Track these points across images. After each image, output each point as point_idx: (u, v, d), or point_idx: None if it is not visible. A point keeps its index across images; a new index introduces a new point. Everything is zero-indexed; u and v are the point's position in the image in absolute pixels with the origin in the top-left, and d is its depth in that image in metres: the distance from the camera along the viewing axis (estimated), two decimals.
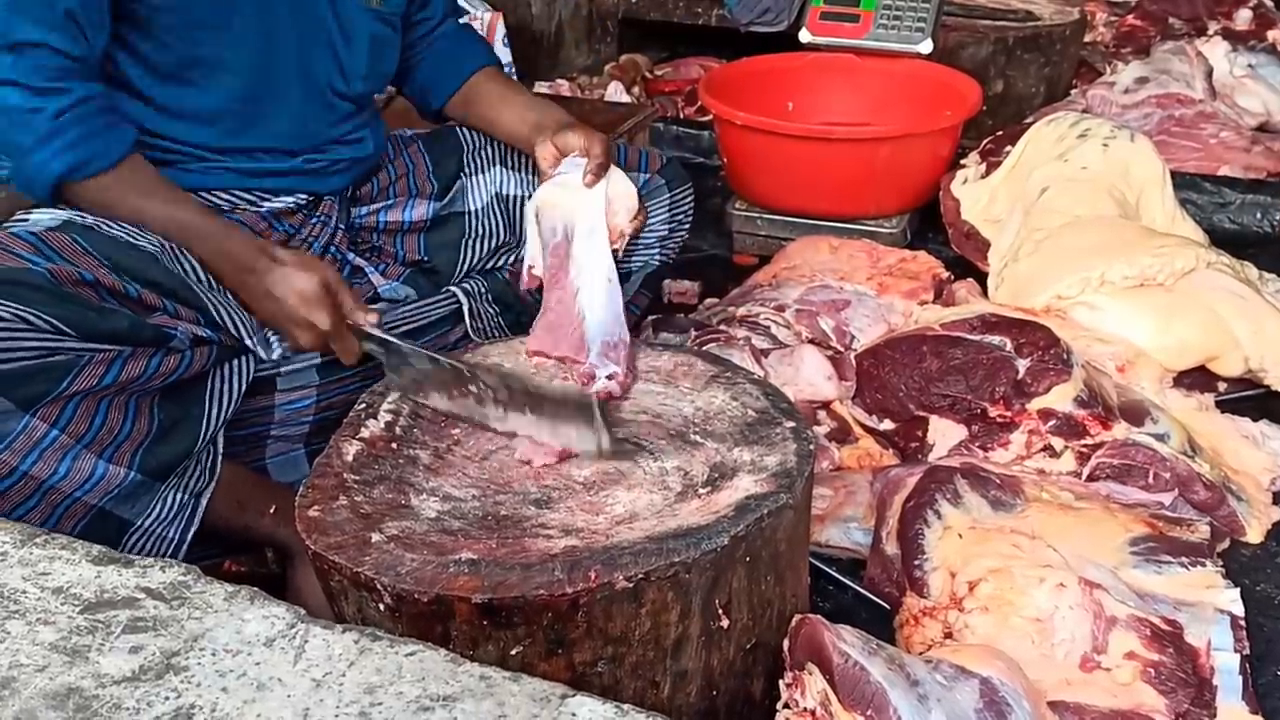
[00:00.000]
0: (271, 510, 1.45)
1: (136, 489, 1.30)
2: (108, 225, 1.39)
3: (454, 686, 0.79)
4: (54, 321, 1.22)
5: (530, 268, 1.55)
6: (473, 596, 1.05)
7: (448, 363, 1.37)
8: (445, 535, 1.16)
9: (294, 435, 1.56)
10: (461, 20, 1.95)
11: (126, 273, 1.33)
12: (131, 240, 1.39)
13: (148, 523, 1.32)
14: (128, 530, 1.31)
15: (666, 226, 1.91)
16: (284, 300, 1.43)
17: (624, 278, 1.87)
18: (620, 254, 1.55)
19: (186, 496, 1.36)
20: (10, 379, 1.18)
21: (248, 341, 1.45)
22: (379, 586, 1.07)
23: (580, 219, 1.51)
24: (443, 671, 0.80)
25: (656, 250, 1.92)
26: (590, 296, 1.47)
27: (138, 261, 1.36)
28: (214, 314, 1.41)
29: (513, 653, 1.08)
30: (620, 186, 1.54)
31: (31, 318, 1.20)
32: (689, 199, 1.96)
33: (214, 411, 1.39)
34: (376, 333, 1.45)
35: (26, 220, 1.40)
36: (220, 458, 1.41)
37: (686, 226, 1.97)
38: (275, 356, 1.49)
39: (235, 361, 1.43)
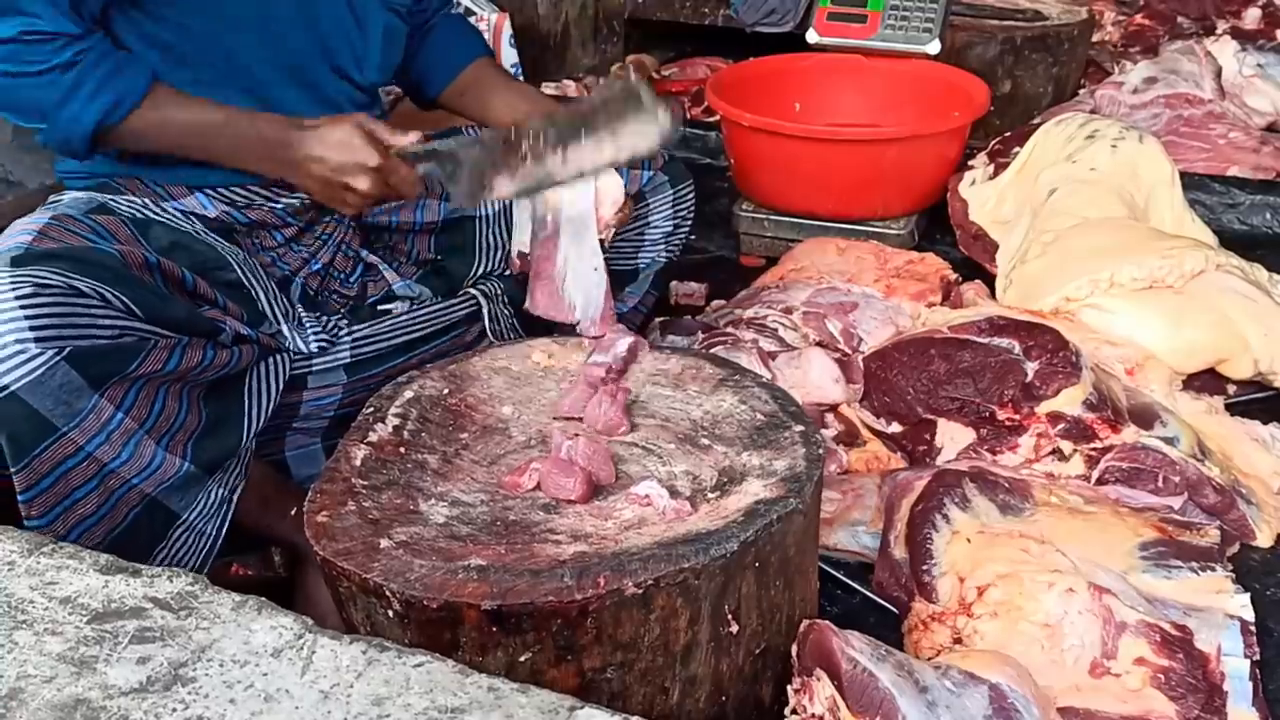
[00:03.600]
0: (293, 513, 1.46)
1: (188, 481, 1.32)
2: (141, 210, 1.40)
3: (462, 698, 0.78)
4: (126, 302, 1.24)
5: (519, 253, 1.56)
6: (481, 603, 1.04)
7: (490, 136, 1.42)
8: (454, 541, 1.16)
9: (313, 429, 1.58)
10: (457, 12, 1.95)
11: (178, 259, 1.36)
12: (172, 224, 1.41)
13: (192, 516, 1.34)
14: (174, 523, 1.32)
15: (671, 223, 1.93)
16: (327, 157, 1.46)
17: (632, 276, 1.89)
18: (607, 244, 1.57)
19: (225, 493, 1.38)
20: (87, 355, 1.20)
21: (284, 329, 1.46)
22: (388, 593, 1.07)
23: (566, 208, 1.52)
24: (451, 683, 0.80)
25: (662, 247, 1.94)
26: (575, 283, 1.50)
27: (184, 246, 1.38)
28: (253, 294, 1.43)
29: (521, 659, 1.07)
30: (606, 178, 1.54)
31: (109, 295, 1.22)
32: (691, 195, 1.98)
33: (254, 409, 1.41)
34: (423, 147, 1.48)
35: (60, 204, 1.42)
36: (253, 457, 1.43)
37: (690, 222, 1.99)
38: (313, 348, 1.50)
39: (271, 360, 1.45)
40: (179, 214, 1.48)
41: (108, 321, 1.22)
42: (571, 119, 1.37)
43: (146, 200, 1.47)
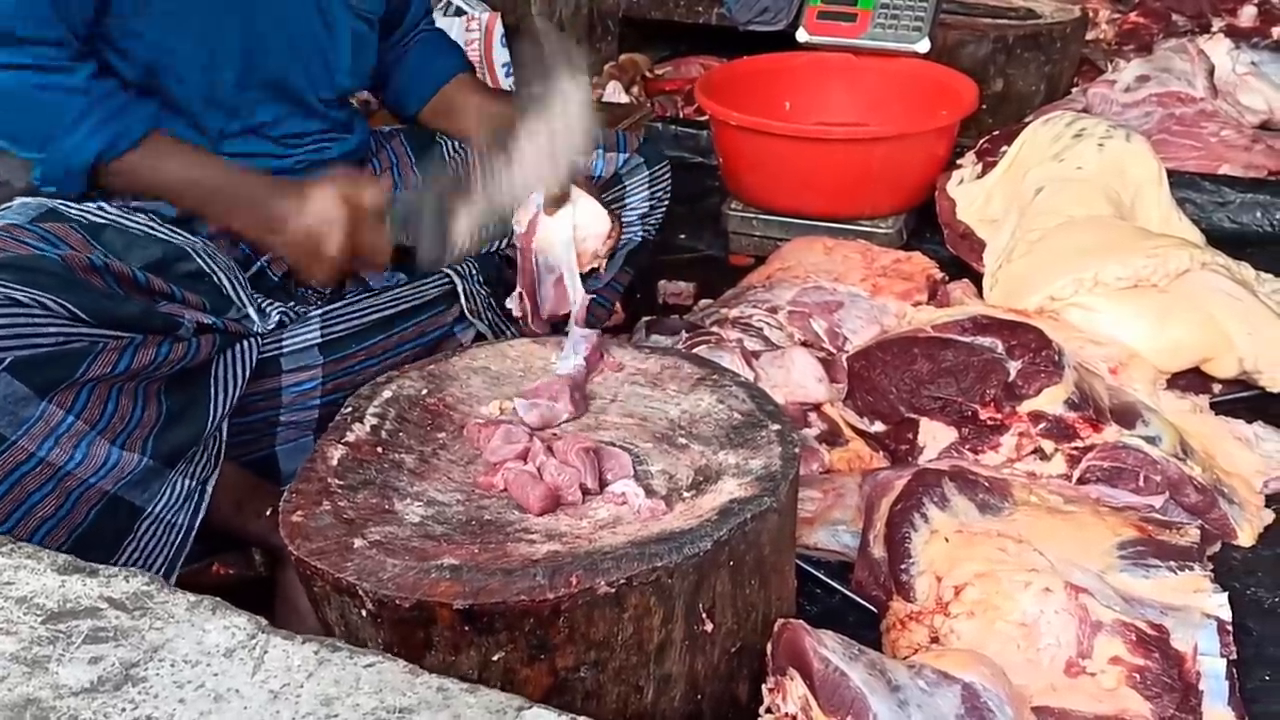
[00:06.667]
0: (268, 513, 1.46)
1: (148, 474, 1.31)
2: (93, 214, 1.41)
3: (411, 698, 0.79)
4: (70, 308, 1.23)
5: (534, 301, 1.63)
6: (454, 602, 1.05)
7: (443, 178, 1.46)
8: (428, 541, 1.16)
9: (303, 421, 1.57)
10: (456, 20, 1.97)
11: (132, 259, 1.36)
12: (125, 225, 1.40)
13: (158, 509, 1.33)
14: (139, 517, 1.32)
15: (647, 204, 1.95)
16: (302, 217, 1.48)
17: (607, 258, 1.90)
18: (601, 271, 1.63)
19: (194, 483, 1.37)
20: (30, 365, 1.19)
21: (250, 312, 1.47)
22: (360, 592, 1.07)
23: (550, 244, 1.58)
24: (400, 683, 0.80)
25: (638, 227, 1.95)
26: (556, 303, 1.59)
27: (140, 245, 1.38)
28: (216, 280, 1.44)
29: (494, 658, 1.08)
30: (586, 211, 1.58)
31: (49, 303, 1.22)
32: (667, 175, 2.00)
33: (220, 396, 1.41)
34: (389, 198, 1.51)
35: (7, 212, 1.42)
36: (224, 446, 1.43)
37: (666, 202, 2.01)
38: (270, 325, 1.51)
39: (238, 346, 1.45)
40: (139, 212, 1.49)
41: (51, 329, 1.21)
42: (499, 129, 1.45)
43: (103, 204, 1.48)
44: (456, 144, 1.87)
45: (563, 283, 1.57)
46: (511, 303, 1.63)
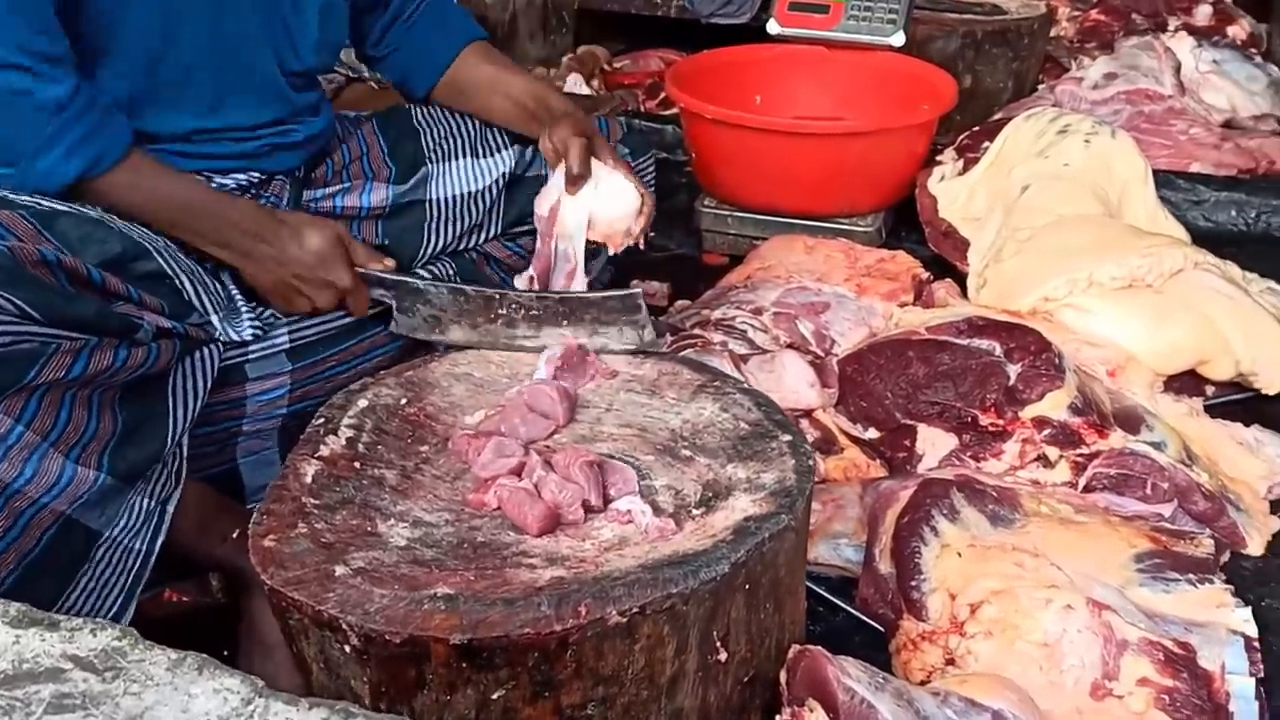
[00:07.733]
0: (235, 535, 1.34)
1: (105, 494, 1.19)
2: (46, 201, 1.28)
3: None
4: (19, 304, 1.10)
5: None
6: (450, 637, 0.95)
7: (475, 292, 1.43)
8: (417, 567, 1.05)
9: (266, 430, 1.46)
10: None
11: (88, 253, 1.24)
12: (81, 213, 1.28)
13: (115, 533, 1.20)
14: (96, 542, 1.19)
15: None
16: (302, 262, 1.42)
17: (592, 254, 1.82)
18: (641, 246, 1.58)
19: (154, 504, 1.25)
20: None
21: (213, 319, 1.35)
22: (344, 626, 0.97)
23: (568, 228, 1.53)
24: None
25: None
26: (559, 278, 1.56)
27: (98, 238, 1.26)
28: (178, 283, 1.32)
29: (494, 697, 0.98)
30: (610, 188, 1.50)
31: None
32: (652, 167, 1.94)
33: (180, 409, 1.28)
34: (393, 277, 1.48)
35: None
36: (185, 463, 1.30)
37: (651, 191, 1.92)
38: (246, 336, 1.40)
39: (199, 353, 1.32)
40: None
41: None
42: (563, 301, 1.40)
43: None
44: (440, 131, 1.76)
45: (574, 275, 1.48)
46: (520, 282, 1.53)
